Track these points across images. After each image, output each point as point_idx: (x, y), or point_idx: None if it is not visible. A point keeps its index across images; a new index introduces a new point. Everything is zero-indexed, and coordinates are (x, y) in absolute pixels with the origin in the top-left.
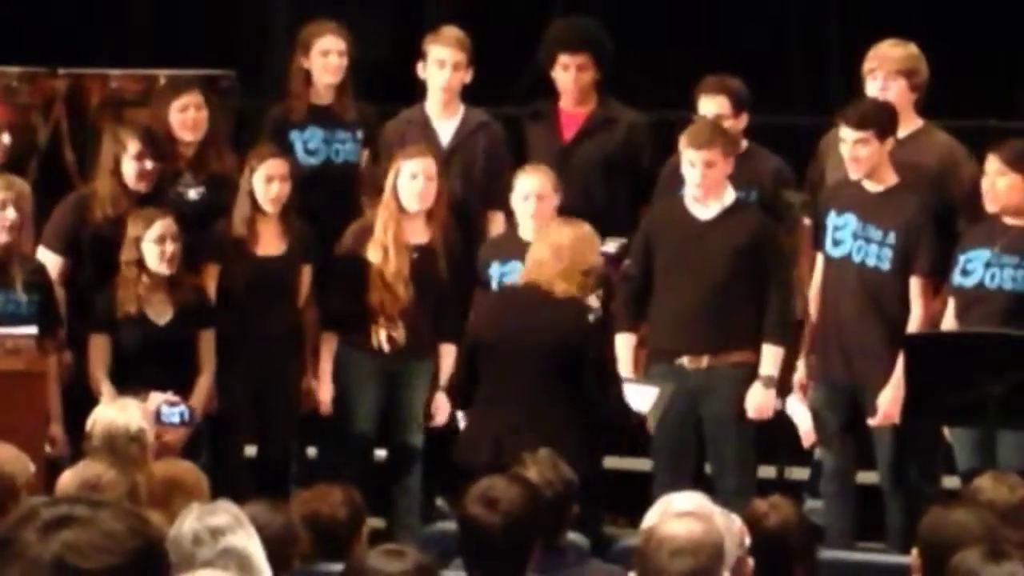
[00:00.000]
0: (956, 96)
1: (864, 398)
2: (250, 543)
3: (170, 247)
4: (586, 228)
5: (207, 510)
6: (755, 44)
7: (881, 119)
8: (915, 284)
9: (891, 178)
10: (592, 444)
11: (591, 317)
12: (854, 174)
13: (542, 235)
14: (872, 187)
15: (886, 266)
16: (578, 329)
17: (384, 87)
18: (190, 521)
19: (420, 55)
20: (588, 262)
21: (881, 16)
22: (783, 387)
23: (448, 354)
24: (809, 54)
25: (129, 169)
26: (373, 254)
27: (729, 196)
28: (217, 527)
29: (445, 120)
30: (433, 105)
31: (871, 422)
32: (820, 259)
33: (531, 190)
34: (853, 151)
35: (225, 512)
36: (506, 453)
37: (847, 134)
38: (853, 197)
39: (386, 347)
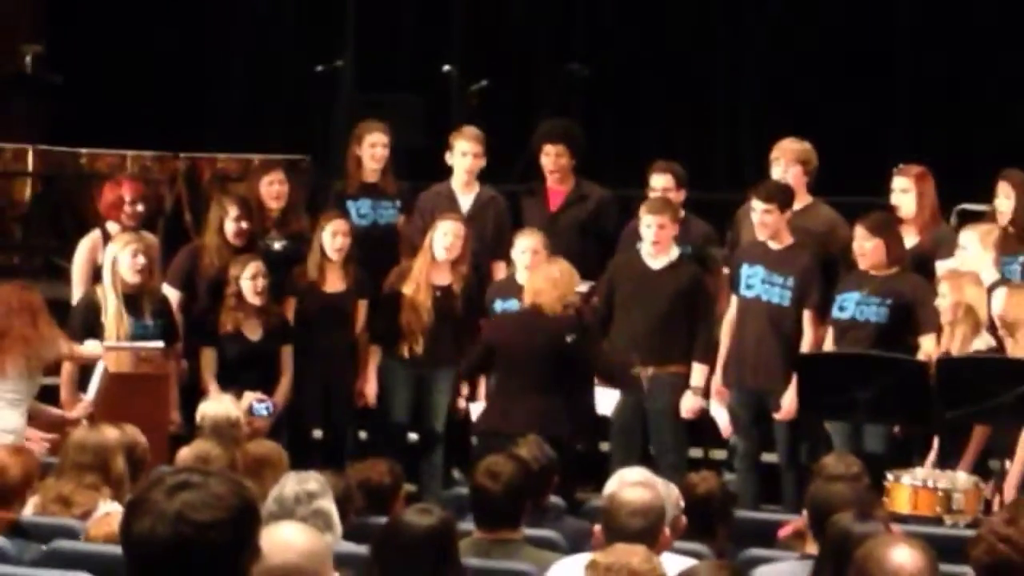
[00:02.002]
0: (841, 178)
1: (767, 399)
2: (331, 505)
3: (260, 283)
4: (567, 265)
5: (303, 478)
6: (690, 138)
7: (782, 195)
8: (807, 315)
9: (788, 239)
10: (576, 422)
11: (569, 338)
12: (761, 235)
13: (538, 270)
14: (774, 246)
15: (786, 303)
16: (565, 338)
17: (419, 166)
18: (291, 484)
19: (447, 147)
20: (571, 293)
21: (786, 119)
22: (707, 392)
23: None
24: (729, 146)
25: (229, 228)
26: (407, 288)
27: (674, 252)
28: (311, 491)
29: (466, 195)
30: (457, 183)
31: (776, 416)
32: (734, 300)
33: (528, 246)
34: (761, 218)
35: (315, 480)
36: (512, 424)
37: (757, 205)
38: (760, 253)
39: (406, 355)
